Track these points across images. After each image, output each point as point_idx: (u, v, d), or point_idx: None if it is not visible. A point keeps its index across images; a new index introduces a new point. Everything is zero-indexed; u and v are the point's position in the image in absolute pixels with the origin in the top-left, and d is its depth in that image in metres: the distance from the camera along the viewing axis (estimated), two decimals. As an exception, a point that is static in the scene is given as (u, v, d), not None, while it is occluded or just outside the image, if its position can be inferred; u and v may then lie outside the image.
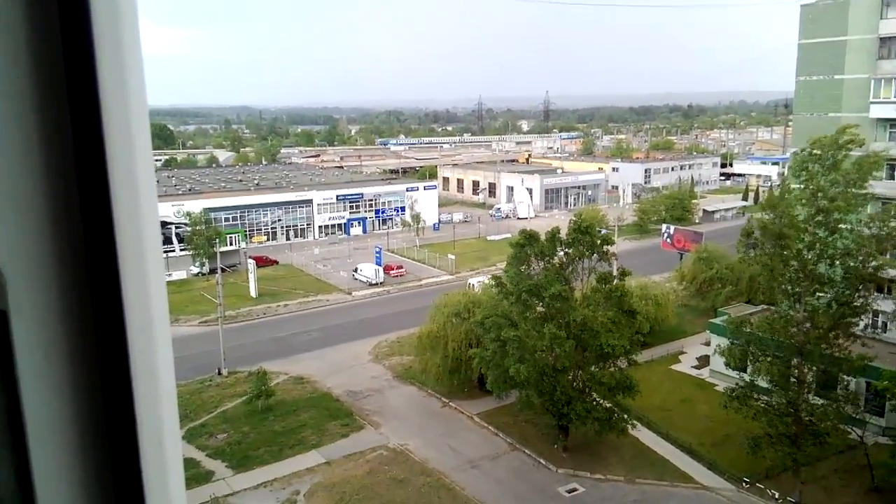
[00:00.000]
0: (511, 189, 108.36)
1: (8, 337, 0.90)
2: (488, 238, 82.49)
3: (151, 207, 0.97)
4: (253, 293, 59.34)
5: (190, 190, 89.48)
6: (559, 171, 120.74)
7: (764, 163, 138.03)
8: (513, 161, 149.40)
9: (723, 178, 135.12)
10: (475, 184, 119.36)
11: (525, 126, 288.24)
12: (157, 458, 1.00)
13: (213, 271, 56.45)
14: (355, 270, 65.40)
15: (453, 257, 69.07)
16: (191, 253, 67.76)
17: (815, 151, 30.15)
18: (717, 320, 42.03)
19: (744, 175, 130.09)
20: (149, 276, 0.97)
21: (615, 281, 33.38)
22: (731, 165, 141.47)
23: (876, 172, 30.56)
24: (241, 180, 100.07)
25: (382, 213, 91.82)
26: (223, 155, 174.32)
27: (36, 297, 0.93)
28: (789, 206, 31.02)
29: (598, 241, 33.85)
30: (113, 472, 0.99)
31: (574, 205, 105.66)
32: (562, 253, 33.77)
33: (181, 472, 1.05)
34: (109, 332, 0.96)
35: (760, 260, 32.02)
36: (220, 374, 42.84)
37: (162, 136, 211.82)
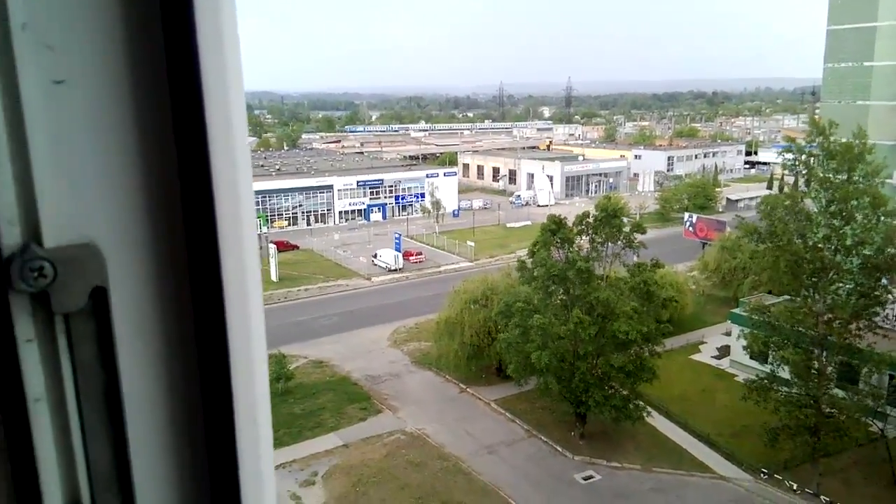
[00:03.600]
0: (531, 176, 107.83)
1: (107, 313, 0.92)
2: (508, 225, 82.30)
3: (248, 187, 0.97)
4: (274, 277, 59.93)
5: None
6: (580, 158, 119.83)
7: (786, 150, 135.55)
8: (533, 148, 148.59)
9: (747, 166, 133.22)
10: (495, 170, 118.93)
11: (546, 112, 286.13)
12: (250, 434, 1.01)
13: (234, 255, 56.90)
14: (375, 256, 65.70)
15: (472, 244, 69.08)
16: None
17: (801, 146, 29.79)
18: (738, 310, 41.64)
19: (769, 163, 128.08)
20: (245, 254, 0.98)
21: (647, 272, 33.10)
22: (755, 153, 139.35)
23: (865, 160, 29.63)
24: (262, 165, 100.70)
25: (402, 199, 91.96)
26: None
27: (134, 273, 0.94)
28: (797, 198, 30.71)
29: (627, 228, 33.61)
30: (207, 449, 1.02)
31: (595, 192, 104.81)
32: (586, 238, 33.60)
33: (271, 451, 1.07)
34: (206, 310, 0.98)
35: (771, 252, 31.64)
36: (240, 356, 43.34)
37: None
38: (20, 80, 0.83)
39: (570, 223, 33.98)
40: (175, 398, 0.99)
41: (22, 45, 0.83)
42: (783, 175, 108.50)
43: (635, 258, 34.69)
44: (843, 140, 29.61)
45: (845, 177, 29.07)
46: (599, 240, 33.35)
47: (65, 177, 0.88)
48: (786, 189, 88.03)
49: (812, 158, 29.72)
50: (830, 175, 29.20)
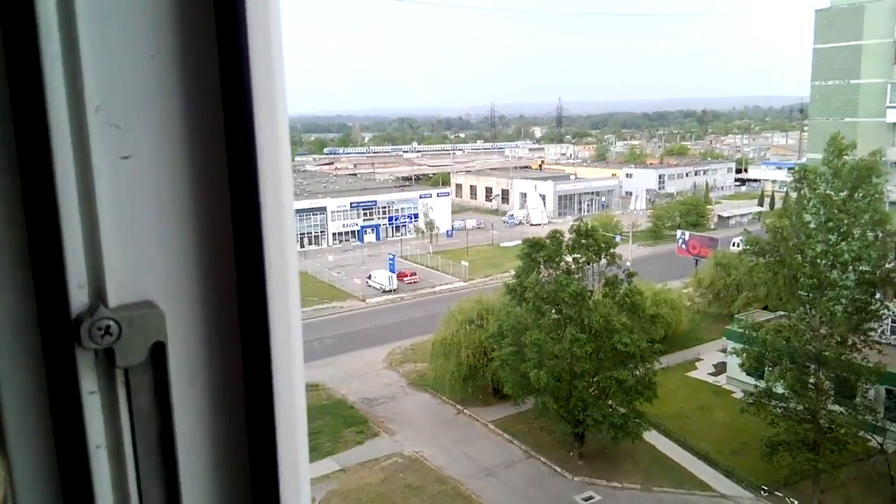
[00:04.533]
0: (524, 195, 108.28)
1: (164, 365, 0.99)
2: (502, 244, 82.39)
3: (293, 251, 1.05)
4: (268, 300, 59.62)
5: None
6: (572, 177, 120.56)
7: (779, 168, 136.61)
8: (526, 167, 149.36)
9: (738, 183, 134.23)
10: (488, 190, 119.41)
11: (538, 133, 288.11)
12: (291, 478, 1.08)
13: (228, 279, 56.77)
14: (369, 277, 65.59)
15: (467, 264, 69.09)
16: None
17: (809, 166, 30.27)
18: (732, 326, 41.68)
19: (759, 180, 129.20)
20: (290, 312, 1.05)
21: (623, 284, 33.29)
22: (746, 171, 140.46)
23: (877, 178, 30.11)
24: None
25: (396, 220, 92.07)
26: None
27: (190, 328, 1.02)
28: (798, 214, 30.97)
29: (604, 245, 33.80)
30: (252, 492, 1.09)
31: (588, 211, 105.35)
32: (570, 259, 33.76)
33: (309, 495, 1.15)
34: (254, 361, 1.05)
35: (769, 267, 31.87)
36: (235, 380, 43.07)
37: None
38: (92, 157, 0.92)
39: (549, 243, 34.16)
40: (223, 443, 1.06)
41: (95, 125, 0.91)
42: (773, 192, 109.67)
43: (623, 272, 34.67)
44: (857, 158, 30.09)
45: (846, 194, 29.40)
46: (582, 260, 33.50)
47: (128, 242, 0.96)
48: (776, 206, 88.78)
49: (817, 176, 30.02)
50: (832, 193, 29.50)
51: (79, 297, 0.93)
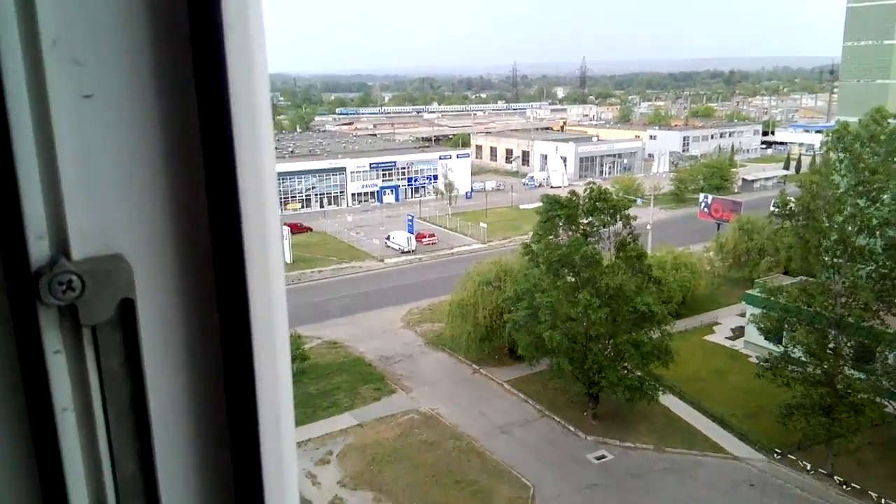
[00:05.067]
0: (545, 157, 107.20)
1: (134, 323, 0.93)
2: (521, 207, 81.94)
3: (273, 198, 0.98)
4: (287, 259, 60.23)
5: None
6: (595, 139, 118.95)
7: (807, 131, 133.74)
8: (547, 129, 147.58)
9: (764, 146, 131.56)
10: (508, 152, 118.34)
11: (560, 93, 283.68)
12: (274, 439, 1.02)
13: (248, 237, 57.35)
14: (387, 238, 65.84)
15: (485, 226, 68.99)
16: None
17: (850, 126, 29.50)
18: (753, 291, 41.34)
19: (786, 143, 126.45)
20: (270, 264, 0.98)
21: (630, 244, 33.06)
22: (772, 133, 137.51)
23: None
24: (276, 148, 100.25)
25: (415, 181, 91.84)
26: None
27: (161, 284, 0.96)
28: (829, 176, 30.37)
29: (619, 207, 33.43)
30: (232, 455, 1.03)
31: (609, 173, 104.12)
32: (586, 221, 33.51)
33: (295, 457, 1.09)
34: (231, 319, 0.98)
35: (796, 231, 31.48)
36: (256, 337, 43.81)
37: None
38: (50, 96, 0.85)
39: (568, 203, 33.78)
40: (200, 406, 1.01)
41: (52, 61, 0.84)
42: (800, 155, 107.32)
43: (628, 235, 34.06)
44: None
45: (881, 158, 28.78)
46: (597, 223, 33.18)
47: (92, 190, 0.90)
48: (803, 169, 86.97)
49: (855, 138, 29.33)
50: (867, 155, 28.87)
51: (39, 248, 0.86)
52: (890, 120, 29.38)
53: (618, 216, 33.01)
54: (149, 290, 0.94)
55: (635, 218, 34.73)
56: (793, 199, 32.06)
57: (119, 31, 0.89)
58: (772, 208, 55.20)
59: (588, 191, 33.74)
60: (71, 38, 0.86)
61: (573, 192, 34.30)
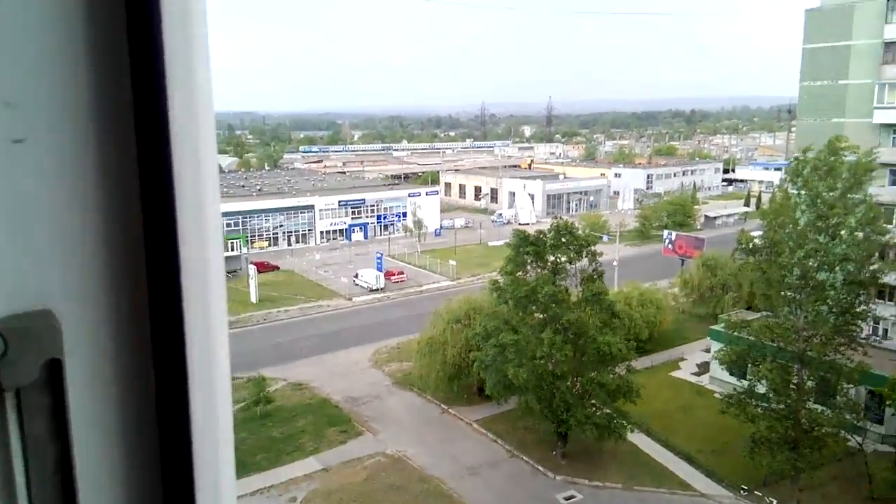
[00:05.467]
0: (513, 195, 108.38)
1: (62, 387, 0.86)
2: (490, 244, 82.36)
3: (217, 254, 0.92)
4: (254, 298, 59.38)
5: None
6: (561, 176, 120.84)
7: (766, 168, 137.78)
8: (515, 166, 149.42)
9: (725, 183, 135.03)
10: (477, 189, 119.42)
11: (528, 132, 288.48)
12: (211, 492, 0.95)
13: (213, 277, 56.45)
14: (356, 276, 65.42)
15: (454, 263, 69.06)
16: (192, 258, 67.85)
17: (808, 157, 30.35)
18: (717, 326, 41.88)
19: (746, 181, 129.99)
20: (212, 317, 0.93)
21: (597, 281, 33.32)
22: (733, 171, 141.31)
23: (872, 175, 30.60)
24: (243, 185, 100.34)
25: (384, 218, 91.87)
26: (226, 160, 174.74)
27: (93, 342, 0.89)
28: (789, 213, 31.10)
29: (584, 243, 33.75)
30: None
31: (576, 210, 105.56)
32: (553, 258, 33.73)
33: None
34: (170, 382, 0.92)
35: (759, 266, 32.09)
36: (219, 379, 42.76)
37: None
38: None
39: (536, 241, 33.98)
40: (132, 470, 0.94)
41: None
42: (760, 192, 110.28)
43: (592, 271, 34.29)
44: (851, 157, 30.34)
45: (839, 193, 29.59)
46: (563, 258, 33.41)
47: (21, 241, 0.83)
48: (763, 206, 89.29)
49: (813, 171, 30.08)
50: (824, 191, 29.64)
51: None
52: (846, 154, 30.28)
53: (583, 252, 33.29)
54: (79, 348, 0.87)
55: (601, 254, 35.06)
56: (756, 236, 32.79)
57: (54, 70, 0.82)
58: (736, 244, 56.50)
59: (554, 225, 33.99)
60: (1, 78, 0.80)
61: (541, 231, 34.56)
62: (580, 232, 35.38)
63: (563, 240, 32.96)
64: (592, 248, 33.64)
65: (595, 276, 33.40)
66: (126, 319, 0.91)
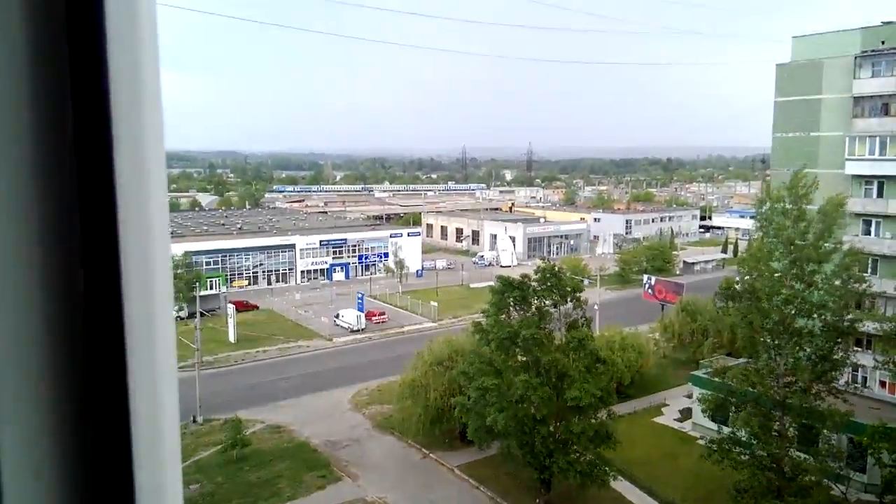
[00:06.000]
0: (494, 237, 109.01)
1: None
2: (471, 286, 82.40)
3: (166, 296, 0.86)
4: (232, 338, 58.44)
5: (172, 233, 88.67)
6: (542, 220, 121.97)
7: (742, 216, 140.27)
8: (496, 209, 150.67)
9: (702, 230, 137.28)
10: (459, 231, 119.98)
11: (508, 176, 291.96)
12: None
13: (192, 315, 55.66)
14: (337, 316, 64.81)
15: (436, 304, 68.80)
16: (170, 296, 66.88)
17: (777, 205, 30.92)
18: (698, 372, 42.00)
19: (723, 228, 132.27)
20: (160, 373, 0.87)
21: (582, 327, 33.31)
22: (710, 218, 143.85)
23: (846, 221, 31.24)
24: (223, 224, 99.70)
25: (365, 258, 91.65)
26: (206, 198, 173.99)
27: (26, 407, 0.81)
28: (765, 259, 31.53)
29: (570, 288, 33.83)
30: None
31: (557, 254, 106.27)
32: (535, 302, 33.72)
33: None
34: (110, 446, 0.85)
35: (739, 312, 32.35)
36: (195, 421, 41.75)
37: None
38: None
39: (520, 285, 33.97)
40: None
41: None
42: (736, 239, 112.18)
43: (580, 316, 34.32)
44: (823, 204, 30.91)
45: (812, 239, 30.06)
46: (548, 302, 33.44)
47: None
48: (739, 252, 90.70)
49: (783, 216, 30.56)
50: (797, 238, 30.10)
51: None
52: (810, 192, 30.77)
53: (568, 297, 33.34)
54: (11, 414, 0.81)
55: (586, 301, 35.06)
56: (737, 282, 33.12)
57: None
58: (717, 290, 57.01)
59: (541, 269, 34.01)
60: None
61: (525, 275, 34.57)
62: (567, 277, 35.43)
63: (549, 284, 33.01)
64: (579, 294, 33.72)
65: (580, 322, 33.39)
66: (65, 384, 0.83)
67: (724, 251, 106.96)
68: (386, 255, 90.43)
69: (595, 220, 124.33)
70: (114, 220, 0.80)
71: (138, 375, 0.85)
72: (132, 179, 0.81)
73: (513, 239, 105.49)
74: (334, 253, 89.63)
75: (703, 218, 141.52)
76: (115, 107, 0.79)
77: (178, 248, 73.43)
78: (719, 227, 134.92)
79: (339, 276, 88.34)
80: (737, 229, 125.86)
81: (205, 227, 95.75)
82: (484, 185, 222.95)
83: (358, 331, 62.40)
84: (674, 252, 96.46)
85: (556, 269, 34.52)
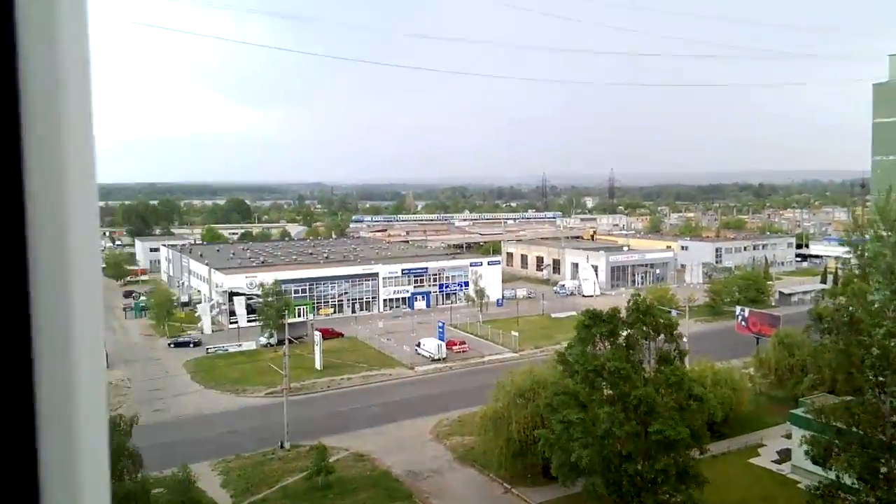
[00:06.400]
0: (576, 266, 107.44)
1: None
2: (552, 315, 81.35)
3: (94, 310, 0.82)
4: (318, 365, 59.98)
5: (263, 262, 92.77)
6: (625, 248, 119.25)
7: (842, 244, 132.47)
8: (577, 237, 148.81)
9: (799, 259, 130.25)
10: (539, 260, 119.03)
11: (590, 203, 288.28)
12: None
13: (280, 342, 57.59)
14: (418, 345, 65.40)
15: (517, 334, 68.26)
16: (260, 323, 69.65)
17: (871, 231, 29.12)
18: (798, 411, 39.57)
19: (821, 256, 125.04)
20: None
21: (675, 361, 32.10)
22: (807, 246, 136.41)
23: None
24: (311, 253, 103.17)
25: (446, 287, 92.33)
26: (295, 229, 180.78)
27: None
28: (863, 292, 29.70)
29: (662, 323, 32.81)
30: None
31: (642, 283, 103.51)
32: (625, 333, 32.87)
33: None
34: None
35: (835, 347, 30.46)
36: (282, 447, 42.96)
37: (239, 211, 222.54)
38: None
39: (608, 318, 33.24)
40: None
41: None
42: (836, 269, 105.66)
43: (674, 351, 33.17)
44: None
45: None
46: (638, 336, 32.49)
47: None
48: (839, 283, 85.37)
49: (881, 246, 28.90)
50: None
51: None
52: None
53: (660, 330, 32.36)
54: None
55: (680, 336, 33.81)
56: (830, 313, 31.28)
57: None
58: (809, 321, 53.74)
59: (634, 302, 33.17)
60: None
61: (615, 308, 33.75)
62: (658, 310, 34.38)
63: (640, 317, 32.18)
64: (673, 329, 32.70)
65: (673, 357, 32.28)
66: None
67: (824, 281, 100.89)
68: (466, 283, 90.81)
69: (682, 248, 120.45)
70: (22, 231, 0.76)
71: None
72: (47, 186, 0.77)
73: (595, 268, 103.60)
74: (415, 281, 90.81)
75: (799, 246, 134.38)
76: (27, 107, 0.75)
77: (269, 277, 76.52)
78: (817, 256, 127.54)
79: (420, 304, 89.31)
80: (836, 258, 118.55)
81: (293, 257, 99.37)
82: (560, 213, 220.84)
83: (439, 360, 62.69)
84: (768, 282, 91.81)
85: (648, 303, 33.58)
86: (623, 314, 32.90)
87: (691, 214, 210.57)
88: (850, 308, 29.70)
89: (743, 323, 66.15)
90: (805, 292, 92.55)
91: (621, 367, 30.74)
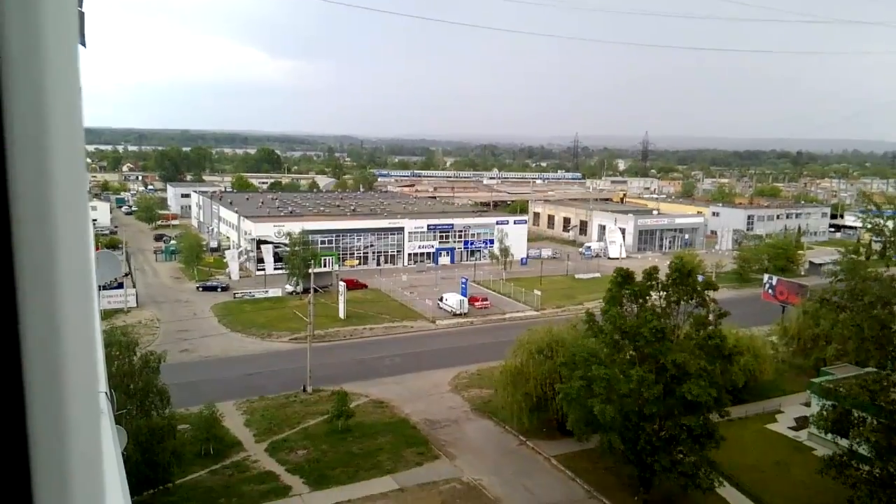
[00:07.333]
0: (603, 228, 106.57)
1: None
2: (576, 276, 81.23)
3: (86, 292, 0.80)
4: (342, 314, 60.94)
5: (291, 212, 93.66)
6: (655, 212, 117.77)
7: (878, 215, 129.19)
8: (606, 200, 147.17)
9: (833, 230, 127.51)
10: (566, 220, 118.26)
11: (622, 165, 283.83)
12: None
13: (306, 290, 58.56)
14: (440, 299, 65.95)
15: (539, 293, 68.41)
16: (287, 271, 70.80)
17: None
18: (818, 380, 39.37)
19: (856, 228, 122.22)
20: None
21: (710, 327, 31.91)
22: (842, 217, 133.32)
23: None
24: (338, 205, 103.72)
25: (471, 244, 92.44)
26: (324, 181, 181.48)
27: None
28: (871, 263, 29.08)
29: (700, 287, 32.57)
30: None
31: (669, 248, 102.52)
32: (658, 295, 32.68)
33: None
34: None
35: (851, 320, 30.00)
36: (305, 390, 44.11)
37: (269, 161, 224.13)
38: None
39: (639, 278, 33.13)
40: None
41: None
42: (870, 240, 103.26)
43: (712, 314, 33.00)
44: None
45: None
46: (673, 298, 32.30)
47: None
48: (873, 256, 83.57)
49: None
50: None
51: None
52: None
53: (694, 294, 32.15)
54: None
55: (715, 301, 33.46)
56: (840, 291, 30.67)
57: None
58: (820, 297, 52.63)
59: (676, 265, 32.82)
60: None
61: (652, 268, 33.51)
62: (695, 276, 34.01)
63: (676, 280, 31.94)
64: (710, 292, 32.48)
65: (710, 322, 32.05)
66: None
67: (857, 253, 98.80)
68: (492, 241, 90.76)
69: (714, 214, 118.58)
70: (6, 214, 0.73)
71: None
72: (30, 161, 0.73)
73: (622, 230, 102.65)
74: (441, 237, 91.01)
75: (833, 216, 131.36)
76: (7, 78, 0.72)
77: (297, 227, 77.39)
78: (852, 227, 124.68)
79: (444, 260, 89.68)
80: (869, 229, 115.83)
81: (321, 208, 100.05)
82: (584, 175, 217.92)
83: (460, 315, 63.23)
84: (799, 251, 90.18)
85: (689, 267, 33.23)
86: (661, 275, 32.67)
87: (725, 180, 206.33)
88: (864, 282, 29.08)
89: (770, 291, 65.33)
90: (835, 262, 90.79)
91: (661, 326, 30.68)
